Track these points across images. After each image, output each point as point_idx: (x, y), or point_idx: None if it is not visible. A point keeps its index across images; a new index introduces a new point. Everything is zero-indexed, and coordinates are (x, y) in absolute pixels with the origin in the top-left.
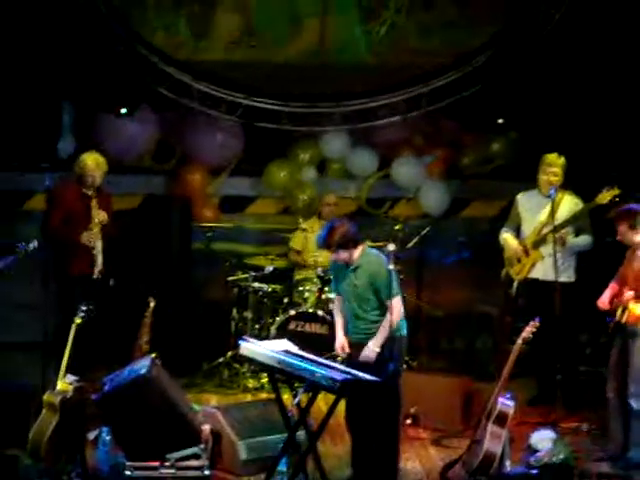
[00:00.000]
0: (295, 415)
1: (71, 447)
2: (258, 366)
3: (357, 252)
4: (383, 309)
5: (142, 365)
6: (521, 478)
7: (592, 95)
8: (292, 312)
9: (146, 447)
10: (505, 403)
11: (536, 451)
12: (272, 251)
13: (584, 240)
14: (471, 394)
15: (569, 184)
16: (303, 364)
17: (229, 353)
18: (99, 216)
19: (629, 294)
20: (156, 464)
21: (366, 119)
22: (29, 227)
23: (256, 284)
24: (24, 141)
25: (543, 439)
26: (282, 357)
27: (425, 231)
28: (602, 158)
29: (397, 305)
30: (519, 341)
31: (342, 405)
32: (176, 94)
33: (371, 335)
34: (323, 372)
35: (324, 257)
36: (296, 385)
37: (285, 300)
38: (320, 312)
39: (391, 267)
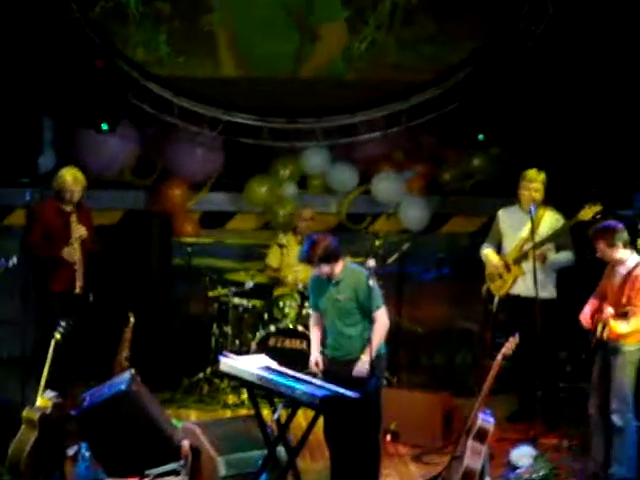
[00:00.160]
0: (275, 431)
1: (50, 463)
2: (238, 382)
3: (339, 266)
4: (365, 324)
5: (122, 380)
6: None
7: (573, 111)
8: (272, 328)
9: (125, 463)
10: (485, 419)
11: (516, 468)
12: (252, 267)
13: (565, 256)
14: (451, 410)
15: (550, 200)
16: (283, 380)
17: (209, 369)
18: (79, 231)
19: (609, 311)
20: None
21: (346, 135)
22: (9, 242)
23: (236, 299)
24: (4, 156)
25: (523, 456)
26: (262, 373)
27: (405, 247)
28: (583, 174)
29: (382, 316)
30: (499, 357)
31: (322, 421)
32: (157, 110)
33: (352, 350)
34: (303, 388)
35: (303, 272)
36: (276, 401)
37: (265, 316)
38: (300, 328)
39: (372, 282)
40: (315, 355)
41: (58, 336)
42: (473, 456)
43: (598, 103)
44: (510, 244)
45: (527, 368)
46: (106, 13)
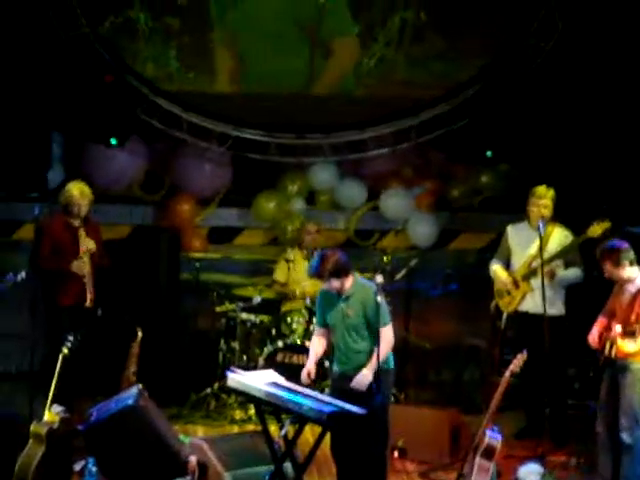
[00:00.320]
0: (282, 447)
1: (57, 478)
2: (245, 397)
3: (349, 281)
4: (373, 339)
5: (129, 395)
6: None
7: (582, 128)
8: (280, 343)
9: (132, 478)
10: (493, 436)
11: None
12: (260, 282)
13: (574, 273)
14: (459, 427)
15: (559, 217)
16: (290, 396)
17: (216, 384)
18: (88, 244)
19: (617, 329)
20: None
21: (355, 151)
22: (18, 257)
23: (244, 315)
24: (13, 171)
25: (531, 473)
26: (269, 389)
27: (413, 263)
28: (592, 191)
29: (388, 333)
30: (507, 374)
31: (329, 437)
32: (166, 125)
33: (360, 365)
34: (310, 404)
35: (311, 287)
36: (283, 417)
37: (273, 331)
38: (308, 344)
39: (379, 299)
40: (308, 367)
41: (66, 351)
42: (480, 473)
43: (607, 120)
44: (519, 261)
45: (535, 385)
46: (115, 28)
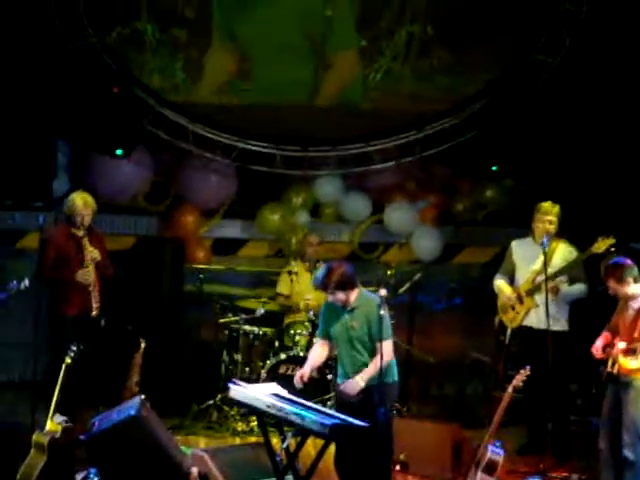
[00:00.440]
0: (284, 459)
1: None
2: (247, 409)
3: (354, 294)
4: (373, 352)
5: (131, 406)
6: None
7: (587, 144)
8: (283, 356)
9: None
10: (495, 451)
11: None
12: (263, 294)
13: (578, 289)
14: (461, 441)
15: (564, 233)
16: (293, 408)
17: (219, 396)
18: (92, 254)
19: (620, 346)
20: None
21: (360, 164)
22: (22, 265)
23: (247, 327)
24: (18, 180)
25: None
26: (272, 401)
27: (417, 277)
28: (597, 207)
29: (387, 348)
30: (509, 389)
31: (332, 449)
32: (172, 136)
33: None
34: (313, 416)
35: (315, 300)
36: (285, 429)
37: (276, 343)
38: None
39: (383, 312)
40: (303, 370)
41: (69, 360)
42: None
43: (613, 136)
44: (523, 276)
45: (538, 401)
46: (123, 39)
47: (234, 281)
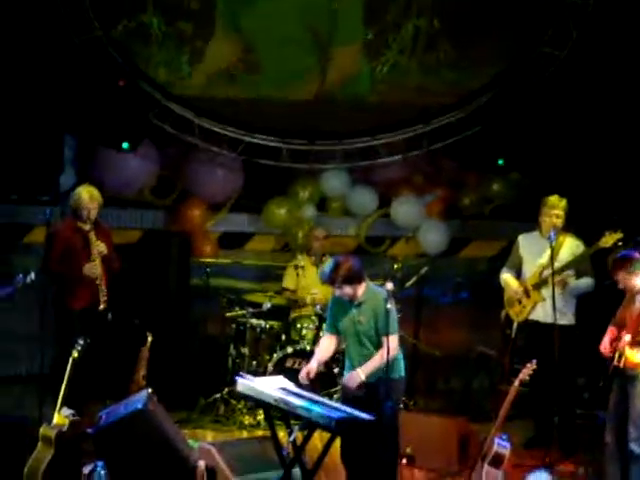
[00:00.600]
0: (291, 452)
1: None
2: (254, 403)
3: (361, 288)
4: (378, 346)
5: (138, 399)
6: None
7: (594, 137)
8: (289, 349)
9: None
10: (501, 444)
11: None
12: (270, 288)
13: (585, 283)
14: (467, 435)
15: (571, 226)
16: (299, 402)
17: (226, 389)
18: (98, 247)
19: (626, 339)
20: None
21: (367, 157)
22: (29, 260)
23: (254, 320)
24: (25, 174)
25: None
26: (279, 394)
27: (424, 270)
28: (604, 201)
29: (393, 342)
30: (516, 383)
31: (338, 443)
32: (178, 130)
33: (375, 373)
34: (319, 410)
35: (321, 294)
36: (292, 422)
37: (283, 337)
38: None
39: (389, 306)
40: (309, 366)
41: (75, 354)
42: None
43: (620, 130)
44: (530, 270)
45: (544, 394)
46: (128, 32)
47: (240, 275)
